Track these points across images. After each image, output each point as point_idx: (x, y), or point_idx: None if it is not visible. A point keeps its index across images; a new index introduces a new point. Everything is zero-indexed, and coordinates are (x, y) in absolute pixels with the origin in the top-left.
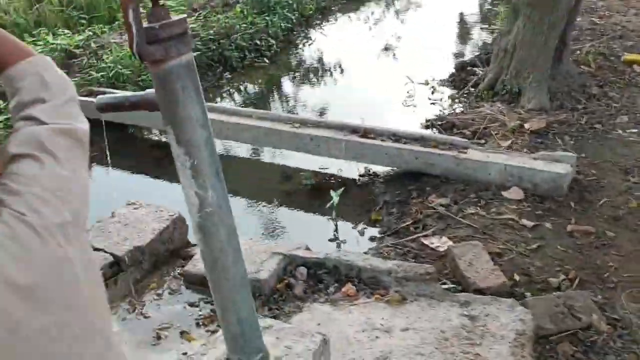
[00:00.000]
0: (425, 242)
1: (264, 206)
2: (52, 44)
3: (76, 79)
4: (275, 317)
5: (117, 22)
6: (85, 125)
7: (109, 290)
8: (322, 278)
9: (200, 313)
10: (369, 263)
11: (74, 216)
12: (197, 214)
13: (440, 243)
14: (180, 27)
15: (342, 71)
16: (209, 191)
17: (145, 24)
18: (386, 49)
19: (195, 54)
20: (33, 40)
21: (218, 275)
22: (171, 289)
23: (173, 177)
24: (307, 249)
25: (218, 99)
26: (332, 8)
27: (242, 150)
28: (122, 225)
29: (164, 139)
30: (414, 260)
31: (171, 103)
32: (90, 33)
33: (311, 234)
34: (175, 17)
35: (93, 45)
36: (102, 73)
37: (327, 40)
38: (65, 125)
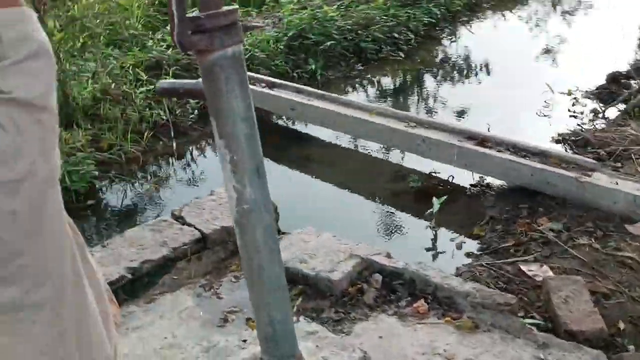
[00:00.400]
0: (523, 267)
1: (366, 203)
2: None
3: None
4: (339, 321)
5: (265, 6)
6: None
7: (192, 264)
8: (396, 289)
9: None
10: (446, 282)
11: None
12: (234, 208)
13: (539, 272)
14: (228, 18)
15: (485, 72)
16: (247, 187)
17: (197, 13)
18: (546, 51)
19: (329, 42)
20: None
21: (252, 274)
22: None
23: (289, 164)
24: (388, 255)
25: (349, 90)
26: (484, 5)
27: (358, 143)
28: (216, 204)
29: (284, 124)
30: (505, 285)
31: (214, 94)
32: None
33: (404, 238)
34: (226, 7)
35: None
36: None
37: (474, 38)
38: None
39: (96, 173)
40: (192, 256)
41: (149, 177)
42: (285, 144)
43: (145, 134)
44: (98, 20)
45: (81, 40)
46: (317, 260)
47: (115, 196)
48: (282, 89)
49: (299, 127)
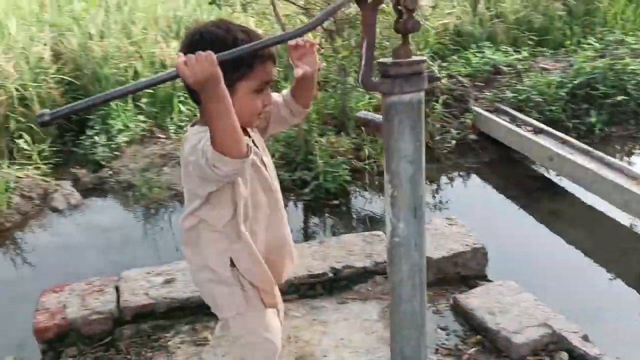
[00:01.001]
0: None
1: (596, 277)
2: (488, 58)
3: (489, 94)
4: None
5: (563, 49)
6: None
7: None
8: None
9: (443, 339)
10: None
11: None
12: (388, 239)
13: None
14: (412, 68)
15: None
16: (400, 222)
17: (389, 60)
18: None
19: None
20: (475, 52)
21: (393, 303)
22: (437, 309)
23: (532, 213)
24: (585, 338)
25: (634, 152)
26: None
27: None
28: (429, 234)
29: (541, 172)
30: None
31: (387, 133)
32: (526, 54)
33: (620, 329)
34: (415, 57)
35: (520, 66)
36: (514, 94)
37: None
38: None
39: (348, 178)
40: None
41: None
42: (537, 193)
43: None
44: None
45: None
46: (505, 317)
47: (359, 202)
48: (547, 136)
49: (557, 178)
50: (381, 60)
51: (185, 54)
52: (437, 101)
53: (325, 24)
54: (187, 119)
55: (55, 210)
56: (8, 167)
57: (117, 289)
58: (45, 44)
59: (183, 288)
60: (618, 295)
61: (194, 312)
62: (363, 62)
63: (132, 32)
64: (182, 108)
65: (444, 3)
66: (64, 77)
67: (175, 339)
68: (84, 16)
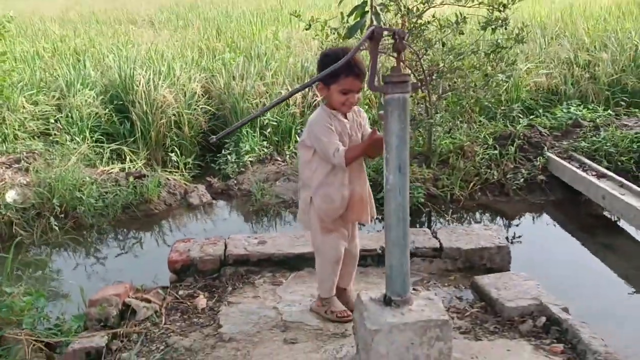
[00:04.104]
0: None
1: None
2: (572, 113)
3: (565, 143)
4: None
5: None
6: None
7: (424, 263)
8: (550, 331)
9: (456, 304)
10: (589, 341)
11: None
12: (385, 187)
13: None
14: (400, 77)
15: None
16: (390, 175)
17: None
18: None
19: None
20: (562, 108)
21: (385, 231)
22: (459, 287)
23: (586, 244)
24: (565, 310)
25: None
26: None
27: None
28: (466, 235)
29: (603, 212)
30: None
31: (385, 118)
32: (610, 112)
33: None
34: (404, 72)
35: (599, 120)
36: (588, 144)
37: None
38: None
39: (422, 200)
40: (427, 257)
41: (462, 217)
42: (595, 229)
43: (472, 185)
44: (485, 94)
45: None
46: (507, 292)
47: (426, 221)
48: (608, 179)
49: (614, 217)
50: (383, 74)
51: (321, 67)
52: (512, 144)
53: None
54: None
55: (191, 205)
56: (161, 171)
57: (225, 244)
58: (198, 82)
59: (270, 248)
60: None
61: (276, 264)
62: (369, 73)
63: (265, 76)
64: (298, 139)
65: (544, 64)
66: (210, 107)
67: (260, 280)
68: (232, 63)
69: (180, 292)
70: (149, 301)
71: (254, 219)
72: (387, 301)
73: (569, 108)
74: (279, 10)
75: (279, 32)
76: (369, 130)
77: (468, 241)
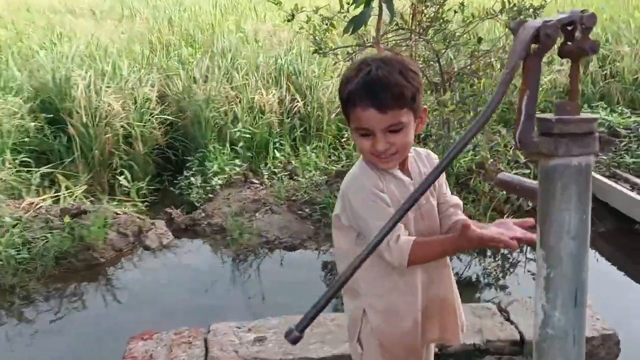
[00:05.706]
0: None
1: None
2: (602, 119)
3: (606, 157)
4: None
5: None
6: None
7: None
8: None
9: None
10: None
11: None
12: (538, 329)
13: None
14: (581, 127)
15: None
16: (556, 311)
17: (551, 116)
18: None
19: None
20: (590, 110)
21: None
22: None
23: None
24: None
25: None
26: None
27: None
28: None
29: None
30: None
31: (545, 200)
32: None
33: None
34: (584, 115)
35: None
36: (634, 159)
37: None
38: None
39: None
40: (504, 357)
41: (496, 259)
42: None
43: (505, 214)
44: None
45: (471, 113)
46: None
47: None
48: None
49: None
50: (541, 116)
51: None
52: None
53: (431, 77)
54: (281, 164)
55: (147, 248)
56: (107, 202)
57: (205, 342)
58: (152, 86)
59: (274, 348)
60: None
61: None
62: (523, 118)
63: (234, 77)
64: (277, 154)
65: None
66: (168, 117)
67: None
68: (191, 61)
69: None
70: None
71: (233, 270)
72: None
73: (598, 113)
74: None
75: (242, 23)
76: (449, 194)
77: None
